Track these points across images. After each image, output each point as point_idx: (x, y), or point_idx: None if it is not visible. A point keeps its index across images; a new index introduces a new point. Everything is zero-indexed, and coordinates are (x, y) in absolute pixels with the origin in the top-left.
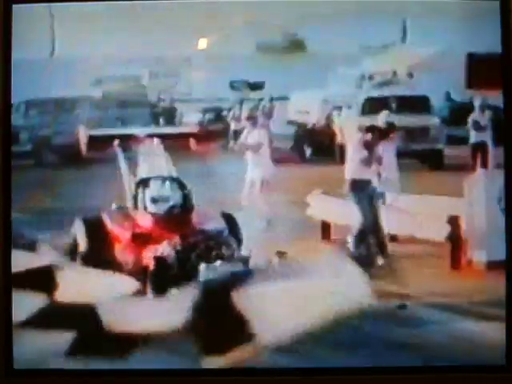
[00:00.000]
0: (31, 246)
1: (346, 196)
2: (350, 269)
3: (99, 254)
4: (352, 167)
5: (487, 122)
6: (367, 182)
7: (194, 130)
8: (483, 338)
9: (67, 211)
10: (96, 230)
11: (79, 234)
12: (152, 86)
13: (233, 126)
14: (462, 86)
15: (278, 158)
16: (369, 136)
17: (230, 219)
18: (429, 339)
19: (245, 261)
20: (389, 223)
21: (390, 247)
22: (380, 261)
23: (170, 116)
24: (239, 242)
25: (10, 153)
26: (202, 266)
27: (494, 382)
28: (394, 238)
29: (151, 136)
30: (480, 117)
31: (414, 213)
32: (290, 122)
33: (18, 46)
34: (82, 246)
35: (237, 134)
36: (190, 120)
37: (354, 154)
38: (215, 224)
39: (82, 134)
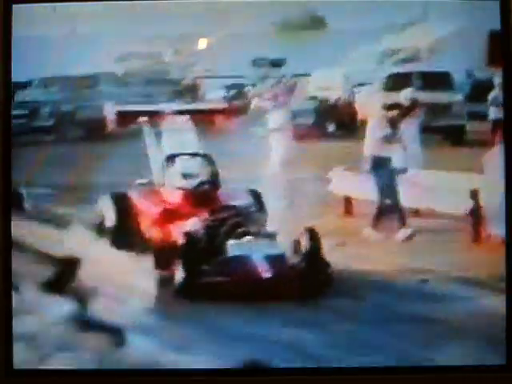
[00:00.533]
0: (56, 222)
1: (367, 172)
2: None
3: (127, 230)
4: (373, 144)
5: None
6: (387, 159)
7: (221, 106)
8: (503, 311)
9: (92, 186)
10: (123, 205)
11: (106, 209)
12: (175, 63)
13: (255, 103)
14: (483, 63)
15: (300, 135)
16: (393, 113)
17: (256, 195)
18: (450, 313)
19: (272, 237)
20: (411, 198)
21: (413, 222)
22: (400, 236)
23: (193, 93)
24: (266, 218)
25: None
26: (230, 242)
27: (494, 382)
28: (416, 213)
29: (179, 112)
30: (500, 94)
31: (435, 188)
32: (312, 98)
33: (39, 22)
34: (110, 221)
35: (259, 110)
36: (213, 97)
37: (375, 130)
38: (242, 200)
39: (109, 110)
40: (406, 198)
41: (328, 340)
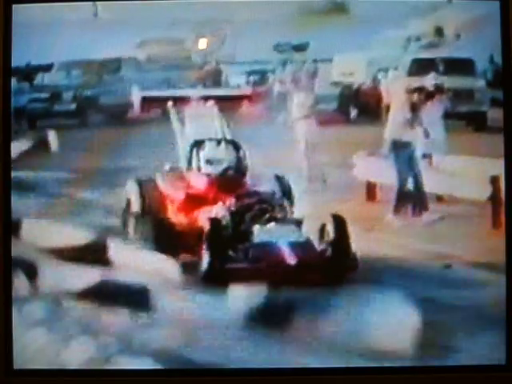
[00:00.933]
0: (78, 206)
1: (387, 156)
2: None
3: (152, 215)
4: (394, 127)
5: None
6: (408, 144)
7: (247, 91)
8: None
9: (116, 171)
10: (149, 190)
11: (132, 194)
12: (197, 49)
13: (278, 88)
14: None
15: (323, 120)
16: (415, 97)
17: (282, 181)
18: (473, 299)
19: (298, 223)
20: (435, 184)
21: (436, 207)
22: (424, 221)
23: (216, 78)
24: (292, 204)
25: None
26: (256, 228)
27: (493, 382)
28: (439, 199)
29: (205, 98)
30: None
31: (457, 173)
32: (335, 84)
33: (60, 6)
34: (135, 206)
35: (282, 96)
36: (235, 82)
37: (397, 114)
38: (269, 186)
39: (135, 95)
40: (429, 183)
41: (352, 326)
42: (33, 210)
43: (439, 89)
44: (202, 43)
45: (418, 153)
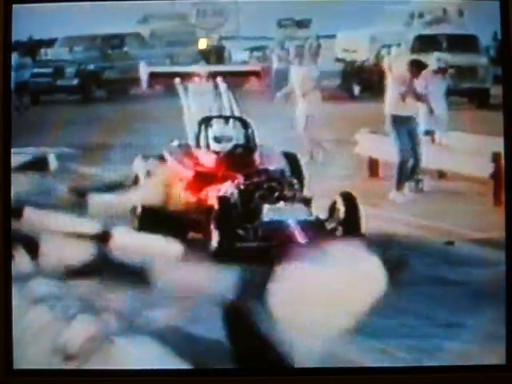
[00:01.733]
0: (80, 181)
1: (387, 132)
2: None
3: (160, 193)
4: (391, 103)
5: None
6: (408, 119)
7: (256, 68)
8: None
9: (121, 147)
10: (157, 167)
11: (140, 171)
12: (200, 25)
13: (281, 65)
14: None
15: (326, 96)
16: (409, 70)
17: (292, 159)
18: (475, 275)
19: (307, 202)
20: (437, 160)
21: (439, 184)
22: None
23: (219, 54)
24: (301, 182)
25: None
26: (265, 207)
27: (493, 382)
28: (442, 175)
29: (213, 74)
30: None
31: (460, 150)
32: (338, 60)
33: None
34: (143, 184)
35: (286, 72)
36: (239, 58)
37: (394, 89)
38: (278, 164)
39: (143, 71)
40: (432, 159)
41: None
42: (34, 187)
43: (442, 68)
44: (205, 18)
45: (420, 128)
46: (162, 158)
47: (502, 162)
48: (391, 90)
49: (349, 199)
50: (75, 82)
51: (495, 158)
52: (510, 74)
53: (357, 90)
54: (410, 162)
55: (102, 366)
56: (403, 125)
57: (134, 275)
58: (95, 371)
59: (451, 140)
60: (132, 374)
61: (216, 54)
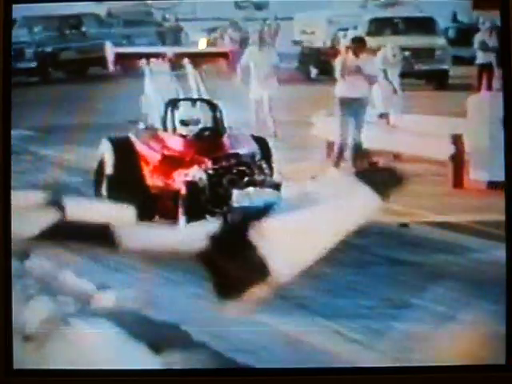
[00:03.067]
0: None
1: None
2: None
3: (126, 176)
4: (339, 85)
5: (495, 44)
6: (355, 100)
7: (225, 49)
8: (484, 255)
9: (80, 128)
10: (124, 150)
11: (106, 153)
12: (157, 5)
13: (237, 46)
14: (469, 7)
15: (284, 78)
16: (351, 49)
17: (262, 143)
18: (431, 257)
19: (276, 187)
20: (393, 142)
21: (394, 166)
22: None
23: (176, 35)
24: (271, 167)
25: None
26: (235, 192)
27: (493, 381)
28: (397, 157)
29: (180, 55)
30: (487, 38)
31: (418, 132)
32: (296, 43)
33: None
34: (109, 166)
35: (244, 54)
36: (196, 39)
37: (342, 70)
38: (247, 148)
39: (108, 51)
40: (386, 142)
41: (312, 283)
42: None
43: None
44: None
45: (369, 110)
46: (129, 141)
47: (463, 143)
48: (338, 71)
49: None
50: (34, 64)
51: (455, 139)
52: (510, 74)
53: (314, 72)
54: (352, 144)
55: (59, 348)
56: (351, 107)
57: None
58: (95, 371)
59: (407, 122)
60: (134, 374)
61: (173, 35)
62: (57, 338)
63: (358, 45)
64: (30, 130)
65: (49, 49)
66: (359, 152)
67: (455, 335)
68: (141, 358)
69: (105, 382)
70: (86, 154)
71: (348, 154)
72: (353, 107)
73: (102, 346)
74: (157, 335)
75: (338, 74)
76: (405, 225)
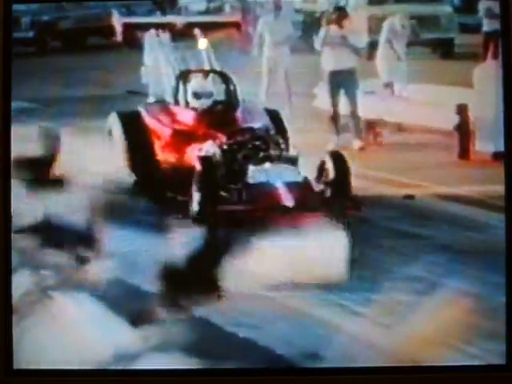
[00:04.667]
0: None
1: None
2: None
3: (138, 151)
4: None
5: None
6: (343, 72)
7: (237, 18)
8: (485, 226)
9: (82, 100)
10: (133, 124)
11: (115, 128)
12: None
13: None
14: None
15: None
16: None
17: (275, 116)
18: (437, 228)
19: (293, 161)
20: (398, 112)
21: (398, 136)
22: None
23: (174, 4)
24: (287, 141)
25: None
26: (250, 168)
27: (493, 381)
28: (402, 128)
29: (191, 24)
30: (494, 4)
31: (422, 102)
32: (298, 11)
33: None
34: (119, 141)
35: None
36: (194, 9)
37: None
38: (261, 122)
39: (117, 21)
40: (391, 112)
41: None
42: None
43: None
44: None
45: (380, 81)
46: (138, 115)
47: (468, 113)
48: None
49: (338, 159)
50: (31, 34)
51: (460, 109)
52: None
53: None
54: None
55: (41, 322)
56: (338, 78)
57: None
58: (96, 372)
59: (412, 92)
60: (135, 374)
61: (171, 4)
62: (38, 311)
63: (340, 14)
64: (28, 101)
65: (46, 18)
66: (359, 123)
67: (451, 303)
68: (120, 331)
69: (105, 382)
70: (87, 127)
71: (351, 125)
72: (341, 79)
73: (83, 318)
74: (137, 307)
75: (318, 45)
76: (410, 197)
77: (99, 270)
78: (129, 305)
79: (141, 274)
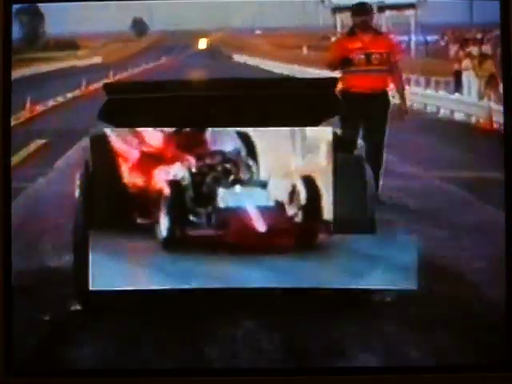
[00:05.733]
0: None
1: None
2: None
3: (105, 175)
4: None
5: None
6: None
7: None
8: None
9: None
10: (100, 147)
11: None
12: None
13: None
14: None
15: None
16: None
17: (246, 138)
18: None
19: (263, 185)
20: None
21: None
22: None
23: None
24: (257, 163)
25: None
26: (221, 191)
27: (494, 381)
28: None
29: None
30: None
31: None
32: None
33: None
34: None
35: None
36: None
37: None
38: (232, 144)
39: None
40: None
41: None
42: None
43: None
44: None
45: None
46: (104, 137)
47: None
48: None
49: (309, 183)
50: None
51: None
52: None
53: None
54: None
55: None
56: None
57: None
58: (96, 371)
59: None
60: (132, 373)
61: None
62: None
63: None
64: None
65: None
66: None
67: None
68: None
69: (105, 382)
70: None
71: None
72: None
73: None
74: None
75: None
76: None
77: None
78: None
79: None
